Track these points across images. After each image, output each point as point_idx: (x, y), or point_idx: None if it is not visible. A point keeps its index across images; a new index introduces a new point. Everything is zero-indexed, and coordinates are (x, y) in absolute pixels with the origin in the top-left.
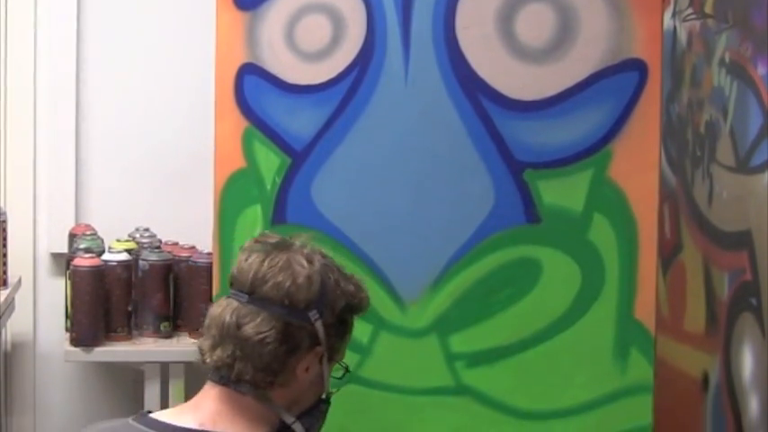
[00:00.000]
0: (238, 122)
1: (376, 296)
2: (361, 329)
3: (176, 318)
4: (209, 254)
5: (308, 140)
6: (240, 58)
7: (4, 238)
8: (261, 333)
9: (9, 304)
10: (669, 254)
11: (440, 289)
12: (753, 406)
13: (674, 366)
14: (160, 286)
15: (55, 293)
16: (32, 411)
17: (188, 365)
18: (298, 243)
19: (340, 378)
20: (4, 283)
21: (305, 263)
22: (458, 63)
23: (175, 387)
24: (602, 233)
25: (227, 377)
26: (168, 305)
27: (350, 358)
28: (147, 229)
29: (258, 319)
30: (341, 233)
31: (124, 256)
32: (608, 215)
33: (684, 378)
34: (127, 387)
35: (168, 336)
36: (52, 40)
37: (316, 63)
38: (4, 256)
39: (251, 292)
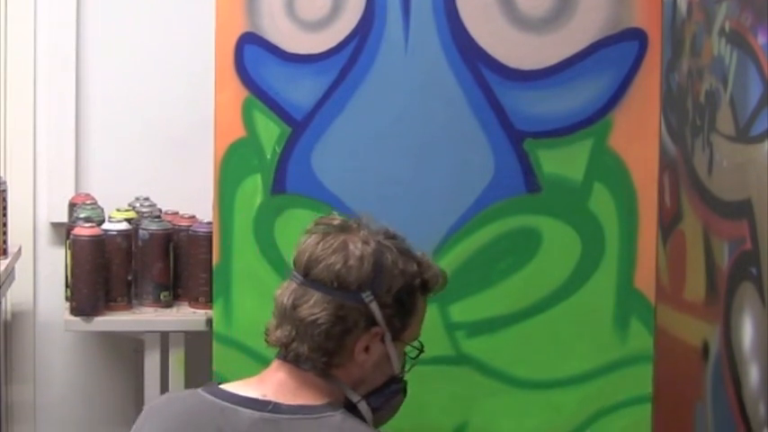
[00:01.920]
0: (238, 92)
1: None
2: None
3: (176, 287)
4: (210, 223)
5: (308, 110)
6: (240, 28)
7: (4, 208)
8: (313, 314)
9: (9, 274)
10: (669, 223)
11: (440, 258)
12: (753, 375)
13: (675, 336)
14: (160, 256)
15: (55, 263)
16: (32, 380)
17: (188, 335)
18: (357, 224)
19: (414, 358)
20: (4, 253)
21: (360, 244)
22: (458, 32)
23: (175, 356)
24: (602, 202)
25: (285, 355)
26: (168, 275)
27: None
28: (147, 199)
29: (311, 301)
30: (341, 202)
31: (124, 226)
32: (608, 184)
33: (685, 347)
34: (127, 356)
35: (168, 305)
36: (52, 10)
37: (316, 32)
38: (4, 225)
39: (305, 273)
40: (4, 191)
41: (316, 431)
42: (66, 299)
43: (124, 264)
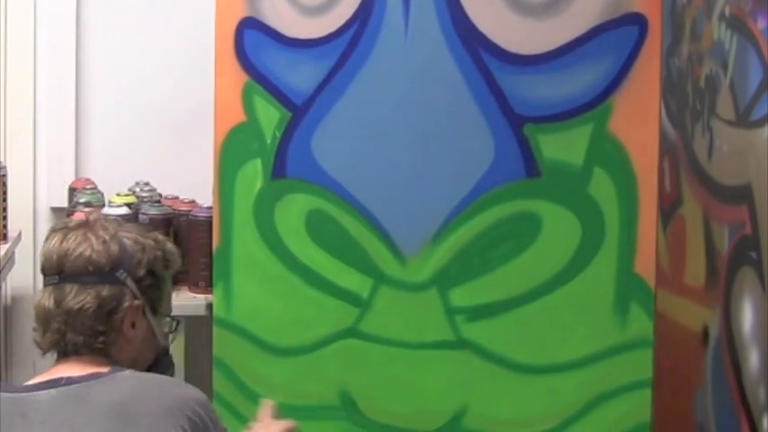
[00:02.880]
0: (238, 77)
1: (376, 250)
2: (361, 283)
3: (176, 272)
4: (210, 208)
5: (308, 94)
6: (240, 13)
7: (5, 193)
8: (78, 302)
9: (9, 258)
10: (669, 208)
11: (440, 243)
12: (753, 360)
13: (674, 320)
14: None
15: None
16: (32, 364)
17: (188, 319)
18: (92, 218)
19: (172, 331)
20: (4, 238)
21: (100, 231)
22: (458, 17)
23: (175, 341)
24: (602, 187)
25: (65, 350)
26: None
27: (350, 312)
28: (147, 183)
29: (73, 292)
30: (341, 187)
31: (124, 210)
32: (608, 169)
33: (684, 332)
34: None
35: None
36: None
37: (316, 17)
38: (5, 210)
39: (59, 272)
40: (5, 176)
41: (112, 385)
42: None
43: None
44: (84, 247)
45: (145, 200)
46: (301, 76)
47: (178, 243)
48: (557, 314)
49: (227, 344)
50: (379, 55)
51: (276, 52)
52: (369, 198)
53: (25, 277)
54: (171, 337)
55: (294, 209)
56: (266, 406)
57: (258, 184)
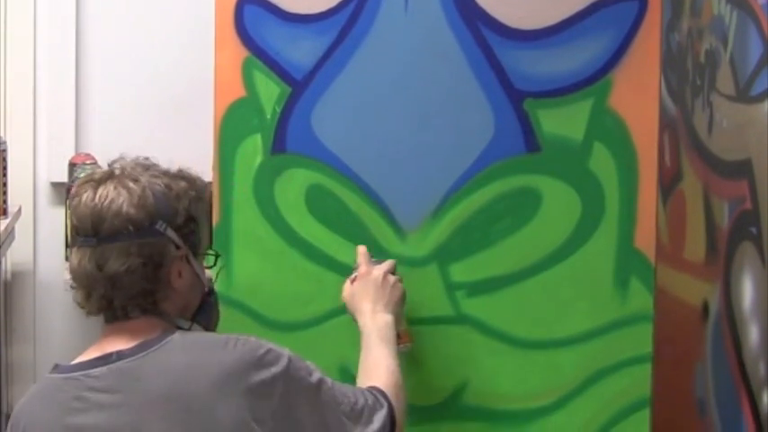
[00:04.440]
0: (238, 52)
1: (376, 225)
2: None
3: None
4: (209, 183)
5: (307, 70)
6: None
7: (5, 168)
8: (122, 264)
9: (9, 233)
10: (669, 183)
11: (440, 218)
12: (753, 334)
13: (675, 295)
14: None
15: (55, 223)
16: (32, 340)
17: None
18: (117, 168)
19: (213, 265)
20: (4, 213)
21: (131, 183)
22: None
23: None
24: (602, 162)
25: (113, 315)
26: None
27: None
28: (146, 158)
29: (114, 254)
30: (341, 162)
31: None
32: (608, 144)
33: (684, 307)
34: None
35: None
36: None
37: None
38: (5, 185)
39: (96, 233)
40: (5, 151)
41: (163, 361)
42: (66, 258)
43: None
44: (119, 204)
45: None
46: (301, 51)
47: None
48: (557, 289)
49: (228, 319)
50: (379, 30)
51: (276, 27)
52: (369, 173)
53: (25, 252)
54: (215, 275)
55: (294, 184)
56: (362, 253)
57: (258, 160)
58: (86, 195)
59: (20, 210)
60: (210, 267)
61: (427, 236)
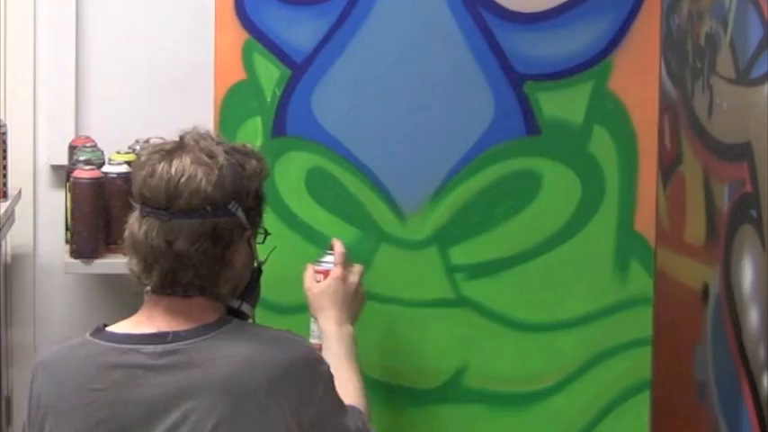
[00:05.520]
0: (238, 34)
1: (376, 208)
2: (360, 241)
3: None
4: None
5: (308, 52)
6: None
7: (4, 150)
8: (194, 244)
9: (9, 216)
10: (669, 166)
11: (440, 201)
12: (752, 317)
13: (675, 278)
14: None
15: (55, 206)
16: (32, 323)
17: None
18: (190, 139)
19: (263, 242)
20: (4, 196)
21: (206, 158)
22: None
23: None
24: (602, 145)
25: (171, 290)
26: None
27: None
28: (147, 141)
29: (186, 232)
30: (341, 145)
31: (124, 168)
32: (608, 127)
33: (684, 290)
34: (126, 299)
35: None
36: None
37: None
38: (4, 168)
39: (168, 206)
40: (5, 133)
41: (221, 351)
42: (67, 241)
43: (124, 206)
44: (198, 181)
45: None
46: (301, 33)
47: None
48: (557, 272)
49: None
50: (379, 12)
51: (276, 10)
52: (369, 156)
53: (25, 235)
54: (266, 255)
55: (294, 167)
56: (339, 253)
57: (258, 142)
58: (162, 167)
59: (20, 192)
60: (261, 244)
61: (427, 218)
